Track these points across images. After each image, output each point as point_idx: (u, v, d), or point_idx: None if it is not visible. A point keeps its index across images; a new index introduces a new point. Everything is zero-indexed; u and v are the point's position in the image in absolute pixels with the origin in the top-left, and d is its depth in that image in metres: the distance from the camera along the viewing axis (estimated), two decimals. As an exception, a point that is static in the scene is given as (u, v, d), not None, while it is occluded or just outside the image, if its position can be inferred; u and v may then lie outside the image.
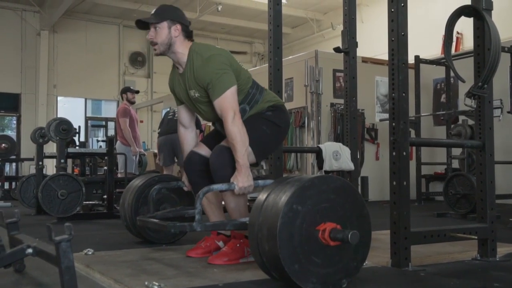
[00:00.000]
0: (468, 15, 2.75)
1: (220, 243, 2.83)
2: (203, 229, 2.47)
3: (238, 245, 2.66)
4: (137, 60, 15.49)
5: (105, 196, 5.76)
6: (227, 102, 2.60)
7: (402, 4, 2.47)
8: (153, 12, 2.78)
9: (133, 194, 3.32)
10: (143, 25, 2.79)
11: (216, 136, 2.93)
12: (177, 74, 2.86)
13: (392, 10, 2.48)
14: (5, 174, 9.51)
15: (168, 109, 6.58)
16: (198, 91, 2.72)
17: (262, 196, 2.11)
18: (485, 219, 2.73)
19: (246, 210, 2.75)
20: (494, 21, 2.69)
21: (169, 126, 6.22)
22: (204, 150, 2.87)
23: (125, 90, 7.79)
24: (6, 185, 9.45)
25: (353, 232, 1.95)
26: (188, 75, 2.74)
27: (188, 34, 2.79)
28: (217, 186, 2.55)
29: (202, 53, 2.71)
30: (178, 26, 2.76)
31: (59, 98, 14.55)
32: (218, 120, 2.82)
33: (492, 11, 2.74)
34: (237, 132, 2.55)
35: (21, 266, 2.35)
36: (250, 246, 2.11)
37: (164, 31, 2.73)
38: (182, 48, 2.76)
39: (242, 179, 2.54)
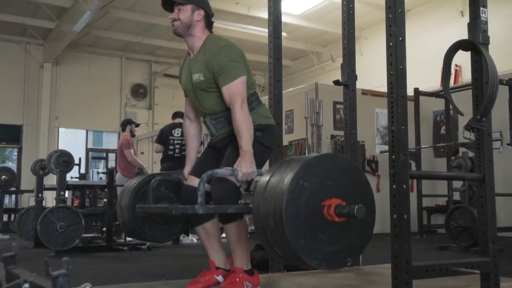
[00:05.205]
0: (465, 49, 2.78)
1: (219, 278, 2.79)
2: (205, 211, 2.46)
3: (237, 279, 2.62)
4: (139, 92, 15.60)
5: (104, 229, 5.73)
6: (237, 89, 2.65)
7: (400, 38, 2.49)
8: None
9: (131, 191, 3.23)
10: (168, 5, 2.83)
11: (203, 164, 2.90)
12: (187, 61, 2.90)
13: (391, 44, 2.50)
14: (5, 206, 9.46)
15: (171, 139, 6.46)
16: (204, 74, 2.73)
17: (266, 176, 2.11)
18: (487, 253, 2.70)
19: (248, 245, 2.73)
20: (492, 54, 2.72)
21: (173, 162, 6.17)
22: (197, 182, 2.86)
23: (129, 122, 7.80)
24: (5, 217, 9.40)
25: (359, 206, 1.94)
26: (198, 58, 2.78)
27: (209, 23, 2.85)
28: (221, 171, 2.56)
29: (219, 41, 2.78)
30: (202, 12, 2.80)
31: (60, 130, 14.60)
32: (211, 113, 2.82)
33: (490, 45, 2.78)
34: (243, 119, 2.60)
35: (18, 301, 2.32)
36: (254, 223, 2.08)
37: (187, 13, 2.77)
38: (200, 34, 2.81)
39: (246, 165, 2.55)
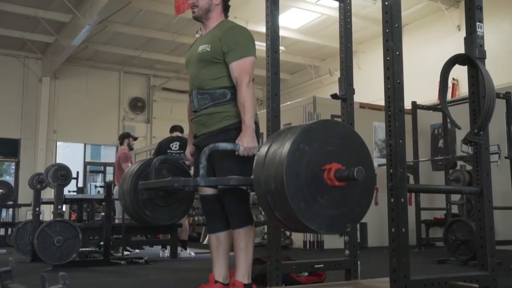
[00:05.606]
0: (462, 63, 2.80)
1: (218, 292, 2.79)
2: (207, 184, 2.49)
3: (236, 294, 2.62)
4: (137, 105, 15.63)
5: (102, 243, 5.70)
6: (247, 66, 2.78)
7: (397, 53, 2.51)
8: None
9: (132, 175, 3.17)
10: None
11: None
12: (199, 39, 3.00)
13: (388, 58, 2.52)
14: (2, 220, 9.42)
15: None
16: (212, 46, 2.81)
17: (266, 145, 2.12)
18: (486, 266, 2.69)
19: (252, 257, 2.76)
20: (488, 68, 2.74)
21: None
22: (205, 190, 2.90)
23: (127, 136, 7.79)
24: (2, 231, 9.35)
25: (358, 168, 1.94)
26: (210, 33, 2.89)
27: (226, 7, 2.99)
28: (223, 145, 2.61)
29: (234, 24, 2.94)
30: None
31: (58, 143, 14.60)
32: (199, 88, 2.85)
33: (487, 59, 2.79)
34: (248, 96, 2.73)
35: (14, 317, 2.30)
36: (255, 189, 2.08)
37: None
38: (217, 17, 2.95)
39: (247, 140, 2.64)
